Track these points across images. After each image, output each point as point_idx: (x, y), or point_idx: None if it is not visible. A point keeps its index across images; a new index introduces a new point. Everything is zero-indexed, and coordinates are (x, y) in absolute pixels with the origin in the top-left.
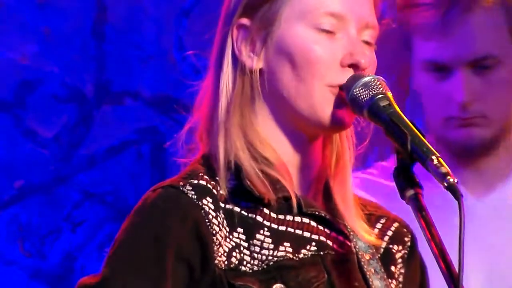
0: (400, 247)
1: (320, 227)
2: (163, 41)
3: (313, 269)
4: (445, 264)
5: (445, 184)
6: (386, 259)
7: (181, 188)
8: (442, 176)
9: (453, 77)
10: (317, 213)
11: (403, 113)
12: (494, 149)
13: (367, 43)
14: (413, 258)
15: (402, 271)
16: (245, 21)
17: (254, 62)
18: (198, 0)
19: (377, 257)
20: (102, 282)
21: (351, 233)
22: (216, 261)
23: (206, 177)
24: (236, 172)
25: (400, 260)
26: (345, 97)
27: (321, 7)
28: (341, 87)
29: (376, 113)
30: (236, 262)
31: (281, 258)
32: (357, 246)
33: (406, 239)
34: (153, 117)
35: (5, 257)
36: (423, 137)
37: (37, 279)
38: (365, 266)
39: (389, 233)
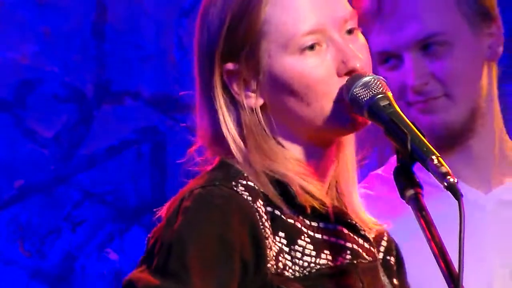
0: (392, 258)
1: (352, 235)
2: (163, 41)
3: (350, 278)
4: (445, 264)
5: (445, 184)
6: (387, 270)
7: (235, 188)
8: (442, 176)
9: (403, 63)
10: (349, 220)
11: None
12: (472, 131)
13: (350, 32)
14: (402, 270)
15: (396, 282)
16: (230, 66)
17: (254, 100)
18: (198, 0)
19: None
20: (173, 283)
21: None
22: (269, 265)
23: (250, 177)
24: (275, 180)
25: (394, 268)
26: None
27: (298, 31)
28: (341, 88)
29: (376, 113)
30: (282, 267)
31: (323, 266)
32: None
33: (394, 252)
34: (153, 117)
35: (5, 257)
36: (423, 137)
37: (37, 278)
38: (380, 274)
39: (384, 243)
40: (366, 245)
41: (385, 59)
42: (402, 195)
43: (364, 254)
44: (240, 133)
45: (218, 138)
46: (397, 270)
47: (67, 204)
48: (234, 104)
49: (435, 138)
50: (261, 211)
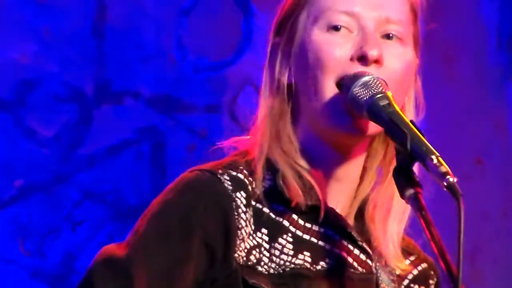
0: (422, 287)
1: (344, 242)
2: (163, 41)
3: (326, 283)
4: (445, 264)
5: (445, 183)
6: None
7: (219, 176)
8: (442, 176)
9: None
10: (343, 227)
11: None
12: None
13: (389, 37)
14: None
15: None
16: (277, 40)
17: (286, 77)
18: (198, 0)
19: None
20: (129, 256)
21: (375, 256)
22: (236, 255)
23: (245, 171)
24: (273, 173)
25: None
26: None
27: (334, 6)
28: (340, 84)
29: (376, 113)
30: (254, 261)
31: (298, 267)
32: (380, 277)
33: (431, 281)
34: (153, 116)
35: (5, 256)
36: (423, 136)
37: (37, 278)
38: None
39: (415, 271)
40: (362, 256)
41: None
42: (402, 195)
43: (355, 264)
44: (267, 110)
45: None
46: None
47: (67, 204)
48: (273, 79)
49: None
50: (239, 202)
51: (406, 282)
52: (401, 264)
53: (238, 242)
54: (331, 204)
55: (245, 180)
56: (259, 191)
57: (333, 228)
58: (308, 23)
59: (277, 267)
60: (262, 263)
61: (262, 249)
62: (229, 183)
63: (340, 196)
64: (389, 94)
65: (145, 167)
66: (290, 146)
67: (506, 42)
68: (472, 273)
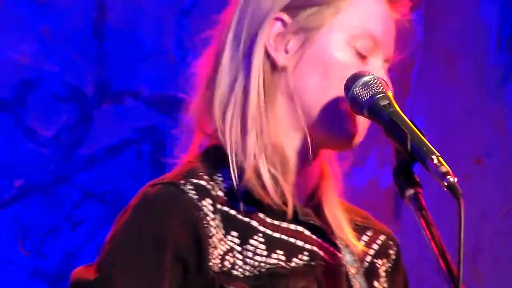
0: (385, 261)
1: (314, 237)
2: (163, 41)
3: (303, 279)
4: (445, 264)
5: (445, 183)
6: (370, 274)
7: (182, 187)
8: (442, 176)
9: None
10: (311, 222)
11: (403, 113)
12: None
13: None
14: (397, 271)
15: (385, 285)
16: (285, 17)
17: (284, 60)
18: (198, 0)
19: (361, 271)
20: (100, 281)
21: (341, 245)
22: (211, 264)
23: (205, 176)
24: (240, 172)
25: (383, 274)
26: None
27: (365, 25)
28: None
29: (376, 113)
30: (229, 266)
31: (273, 266)
32: (345, 259)
33: (391, 251)
34: (153, 116)
35: (5, 256)
36: (423, 136)
37: (37, 278)
38: (352, 280)
39: (375, 246)
40: (331, 249)
41: None
42: (402, 195)
43: (326, 257)
44: (261, 91)
45: (228, 110)
46: (392, 272)
47: (67, 203)
48: (267, 56)
49: None
50: (206, 210)
51: (369, 258)
52: (360, 243)
53: (211, 250)
54: (298, 200)
55: (208, 185)
56: (222, 193)
57: (301, 224)
58: (334, 28)
59: (252, 268)
60: (237, 267)
61: (235, 252)
62: (194, 192)
63: (304, 190)
64: (390, 94)
65: (145, 167)
66: (270, 137)
67: (506, 42)
68: (473, 273)
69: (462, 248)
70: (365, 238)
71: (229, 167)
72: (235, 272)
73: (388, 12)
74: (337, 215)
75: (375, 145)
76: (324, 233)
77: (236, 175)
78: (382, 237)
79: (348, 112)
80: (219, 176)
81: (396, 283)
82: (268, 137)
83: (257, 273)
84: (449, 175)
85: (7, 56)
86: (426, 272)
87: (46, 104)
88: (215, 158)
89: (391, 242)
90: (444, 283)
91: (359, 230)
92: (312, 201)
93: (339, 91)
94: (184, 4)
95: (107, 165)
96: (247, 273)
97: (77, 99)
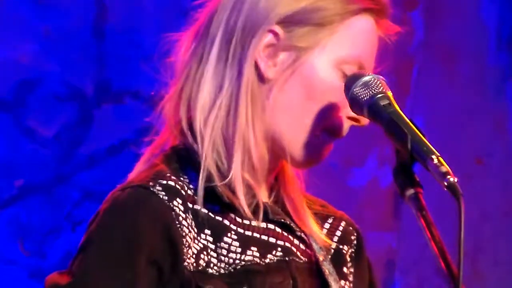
0: (348, 247)
1: (285, 234)
2: (163, 41)
3: (279, 275)
4: (445, 264)
5: (445, 183)
6: (338, 260)
7: (151, 189)
8: (442, 176)
9: None
10: (282, 220)
11: (403, 113)
12: None
13: None
14: (360, 256)
15: (352, 270)
16: (279, 31)
17: (272, 73)
18: (198, 0)
19: (328, 258)
20: (73, 285)
21: (308, 237)
22: (186, 263)
23: (173, 177)
24: (209, 174)
25: (349, 259)
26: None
27: (355, 51)
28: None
29: (376, 112)
30: (204, 265)
31: (249, 263)
32: (313, 248)
33: (352, 237)
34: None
35: (5, 256)
36: (423, 136)
37: (37, 278)
38: (323, 269)
39: (338, 233)
40: (302, 246)
41: None
42: (402, 195)
43: (298, 253)
44: (250, 99)
45: (209, 114)
46: (356, 258)
47: (67, 203)
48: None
49: None
50: (178, 210)
51: (334, 245)
52: (323, 232)
53: (185, 250)
54: (264, 197)
55: (177, 185)
56: (192, 192)
57: (272, 222)
58: (327, 52)
59: (227, 266)
60: (212, 265)
61: (209, 250)
62: (163, 193)
63: (270, 190)
64: (390, 94)
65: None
66: (254, 136)
67: (506, 42)
68: (473, 273)
69: (462, 248)
70: (327, 225)
71: (195, 168)
72: (210, 271)
73: (375, 33)
74: (299, 209)
75: (375, 145)
76: (294, 230)
77: (204, 177)
78: (343, 223)
79: (321, 140)
80: (185, 178)
81: (361, 267)
82: (249, 145)
83: (232, 270)
84: (449, 175)
85: (7, 56)
86: (426, 272)
87: (46, 104)
88: (179, 160)
89: (351, 228)
90: (444, 283)
91: (321, 218)
92: (275, 197)
93: (319, 114)
94: (184, 4)
95: (107, 165)
96: (222, 271)
97: (77, 99)
